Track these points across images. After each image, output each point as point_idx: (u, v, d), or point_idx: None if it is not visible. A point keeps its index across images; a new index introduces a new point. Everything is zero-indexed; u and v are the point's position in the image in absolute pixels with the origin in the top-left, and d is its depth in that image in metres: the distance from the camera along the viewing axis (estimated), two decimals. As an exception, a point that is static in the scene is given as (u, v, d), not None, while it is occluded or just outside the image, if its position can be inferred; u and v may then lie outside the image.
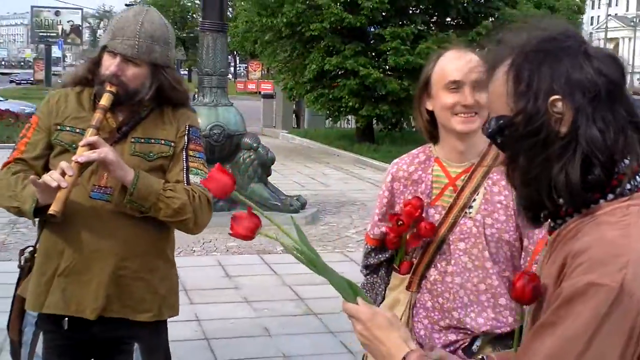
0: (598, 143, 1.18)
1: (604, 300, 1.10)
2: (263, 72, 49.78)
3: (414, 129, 21.75)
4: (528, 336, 1.20)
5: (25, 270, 2.66)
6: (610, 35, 77.12)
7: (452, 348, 2.30)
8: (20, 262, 2.68)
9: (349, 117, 20.09)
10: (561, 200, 1.23)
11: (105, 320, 2.54)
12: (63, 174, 2.31)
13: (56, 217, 2.31)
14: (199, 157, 2.64)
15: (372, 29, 17.85)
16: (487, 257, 2.20)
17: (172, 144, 2.59)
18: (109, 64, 2.49)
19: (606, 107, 1.21)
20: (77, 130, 2.53)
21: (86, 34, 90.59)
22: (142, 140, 2.56)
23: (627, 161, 1.21)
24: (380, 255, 2.49)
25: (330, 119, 20.59)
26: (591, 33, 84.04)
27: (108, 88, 2.47)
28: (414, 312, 2.36)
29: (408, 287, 2.36)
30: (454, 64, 2.23)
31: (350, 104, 17.26)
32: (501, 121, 1.27)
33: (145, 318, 2.60)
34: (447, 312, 2.28)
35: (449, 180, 2.30)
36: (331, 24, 16.77)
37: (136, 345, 2.63)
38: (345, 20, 16.62)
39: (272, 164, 9.71)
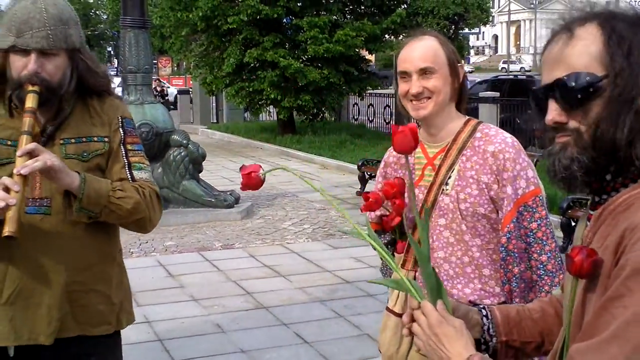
0: None
1: None
2: (173, 67, 49.02)
3: (333, 119, 21.92)
4: (593, 312, 1.21)
5: None
6: (512, 17, 79.42)
7: None
8: None
9: (270, 109, 20.02)
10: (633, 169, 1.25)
11: (59, 341, 2.32)
12: (7, 190, 2.06)
13: (15, 240, 2.05)
14: (138, 150, 2.43)
15: (289, 20, 17.83)
16: (465, 231, 2.29)
17: (106, 139, 2.37)
18: (22, 64, 2.22)
19: None
20: None
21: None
22: (73, 141, 2.32)
23: None
24: (382, 238, 2.56)
25: (250, 112, 20.50)
26: (493, 16, 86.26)
27: (30, 88, 2.20)
28: None
29: (403, 265, 2.45)
30: (404, 55, 2.34)
31: (272, 96, 17.22)
32: (588, 78, 1.26)
33: (104, 331, 2.40)
34: None
35: (427, 160, 2.40)
36: (248, 16, 16.65)
37: None
38: (262, 12, 16.54)
39: (204, 160, 9.60)
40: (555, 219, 8.51)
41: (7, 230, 2.02)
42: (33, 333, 2.29)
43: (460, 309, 1.58)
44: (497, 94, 15.43)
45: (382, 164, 2.57)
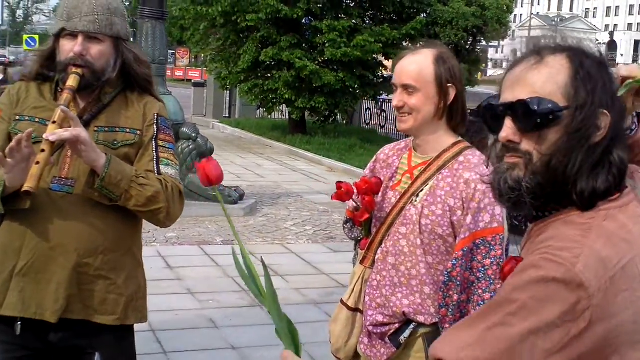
0: (624, 163, 1.29)
1: (562, 288, 1.19)
2: (191, 59, 49.17)
3: (345, 122, 21.95)
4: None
5: None
6: (532, 33, 79.14)
7: (379, 330, 2.43)
8: None
9: (282, 108, 20.05)
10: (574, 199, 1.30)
11: (65, 324, 2.40)
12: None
13: (31, 195, 2.18)
14: (169, 148, 2.52)
15: (309, 21, 17.85)
16: (419, 245, 2.33)
17: (138, 132, 2.47)
18: (70, 47, 2.37)
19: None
20: (37, 120, 2.40)
21: (5, 14, 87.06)
22: (106, 129, 2.43)
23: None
24: (354, 229, 2.63)
25: (263, 109, 20.54)
26: (514, 31, 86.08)
27: (73, 70, 2.34)
28: (367, 287, 2.50)
29: (362, 262, 2.53)
30: (396, 67, 2.40)
31: (286, 96, 17.25)
32: (550, 105, 1.28)
33: (109, 321, 2.44)
34: (380, 290, 2.43)
35: (408, 168, 2.46)
36: (267, 15, 16.70)
37: (97, 355, 2.49)
38: (282, 11, 16.58)
39: (211, 155, 9.64)
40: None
41: (27, 185, 2.15)
42: (40, 308, 2.37)
43: None
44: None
45: (373, 158, 2.65)
